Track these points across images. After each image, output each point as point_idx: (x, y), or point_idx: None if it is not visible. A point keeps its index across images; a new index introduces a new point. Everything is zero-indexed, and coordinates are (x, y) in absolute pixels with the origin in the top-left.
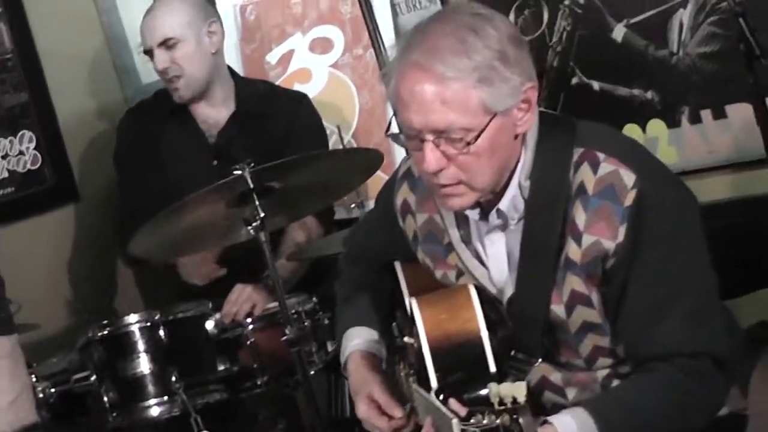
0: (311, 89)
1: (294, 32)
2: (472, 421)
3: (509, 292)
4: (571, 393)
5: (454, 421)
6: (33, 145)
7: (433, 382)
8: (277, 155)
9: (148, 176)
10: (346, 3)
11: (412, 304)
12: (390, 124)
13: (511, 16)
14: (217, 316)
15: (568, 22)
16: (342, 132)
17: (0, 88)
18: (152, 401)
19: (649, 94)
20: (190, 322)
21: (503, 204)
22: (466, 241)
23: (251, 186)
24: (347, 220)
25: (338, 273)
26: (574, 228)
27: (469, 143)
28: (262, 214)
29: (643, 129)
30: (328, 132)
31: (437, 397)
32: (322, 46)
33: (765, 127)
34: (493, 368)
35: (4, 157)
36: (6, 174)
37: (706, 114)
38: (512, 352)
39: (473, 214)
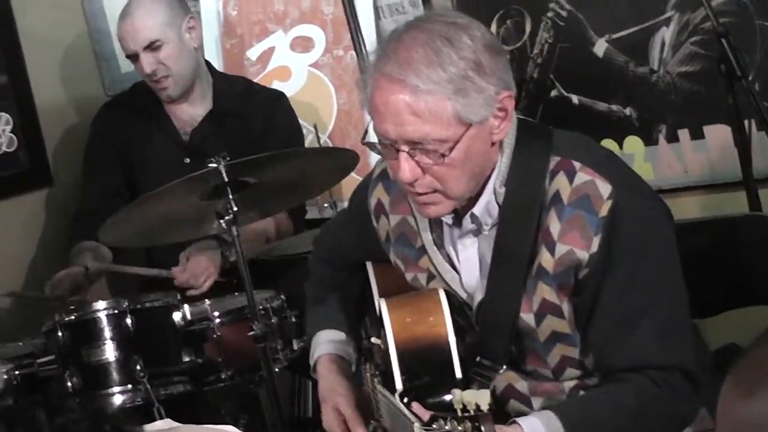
0: (290, 87)
1: (275, 30)
2: (433, 426)
3: (479, 297)
4: (536, 402)
5: (416, 425)
6: (9, 127)
7: (398, 385)
8: (251, 154)
9: (116, 174)
10: (329, 3)
11: (381, 305)
12: (366, 131)
13: (493, 26)
14: (186, 307)
15: (550, 35)
16: (319, 132)
17: None
18: (116, 389)
19: (628, 111)
20: (157, 312)
21: (477, 209)
22: (439, 244)
23: (225, 179)
24: (319, 219)
25: (308, 272)
26: (548, 236)
27: (443, 155)
28: (235, 209)
29: (620, 145)
30: (304, 131)
31: (401, 399)
32: (302, 45)
33: (743, 149)
34: (459, 374)
35: None
36: None
37: (683, 133)
38: (477, 359)
39: (447, 219)
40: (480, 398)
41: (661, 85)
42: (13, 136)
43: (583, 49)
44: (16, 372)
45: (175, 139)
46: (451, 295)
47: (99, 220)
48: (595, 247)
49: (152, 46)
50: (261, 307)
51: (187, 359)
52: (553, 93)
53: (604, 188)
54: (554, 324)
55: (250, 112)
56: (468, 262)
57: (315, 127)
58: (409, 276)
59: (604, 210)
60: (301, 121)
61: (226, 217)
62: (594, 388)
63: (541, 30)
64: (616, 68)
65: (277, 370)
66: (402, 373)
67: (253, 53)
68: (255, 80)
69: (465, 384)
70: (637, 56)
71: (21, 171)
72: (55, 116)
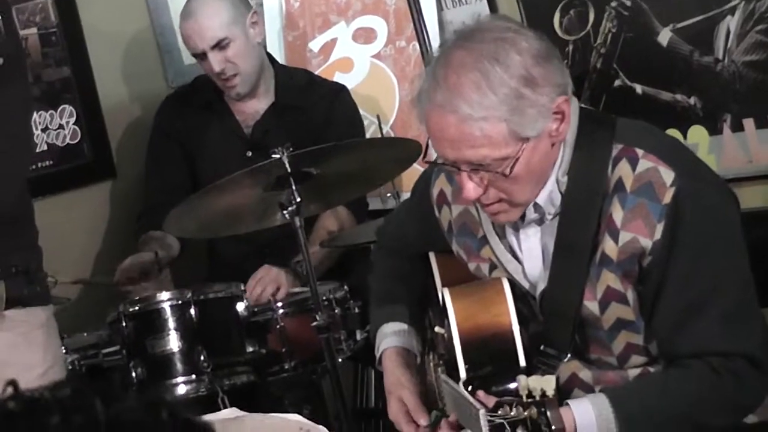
0: (352, 79)
1: (338, 21)
2: (499, 412)
3: (542, 286)
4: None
5: (482, 411)
6: (73, 120)
7: (462, 374)
8: (313, 142)
9: (179, 166)
10: None
11: (444, 294)
12: (427, 147)
13: (557, 16)
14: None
15: (614, 24)
16: (381, 123)
17: (43, 62)
18: (180, 379)
19: (692, 100)
20: (221, 303)
21: (540, 199)
22: (500, 234)
23: (288, 170)
24: (382, 210)
25: (371, 264)
26: (611, 224)
27: (505, 174)
28: (299, 199)
29: (684, 135)
30: (366, 122)
31: (465, 388)
32: (365, 36)
33: None
34: (523, 363)
35: (44, 130)
36: (45, 147)
37: (748, 123)
38: (541, 347)
39: None
40: (545, 384)
41: (726, 75)
42: (76, 128)
43: (647, 38)
44: (81, 362)
45: (237, 133)
46: (513, 285)
47: (163, 213)
48: (658, 234)
49: (220, 45)
50: (324, 298)
51: (250, 350)
52: (617, 83)
53: (667, 175)
54: (619, 311)
55: (312, 104)
56: (530, 252)
57: (378, 117)
58: (471, 266)
59: (668, 197)
60: (363, 112)
61: (290, 208)
62: (654, 374)
63: (605, 20)
64: (681, 58)
65: (340, 360)
66: (465, 362)
67: (316, 45)
68: (317, 72)
69: (528, 373)
70: (702, 45)
71: (84, 163)
72: (118, 108)
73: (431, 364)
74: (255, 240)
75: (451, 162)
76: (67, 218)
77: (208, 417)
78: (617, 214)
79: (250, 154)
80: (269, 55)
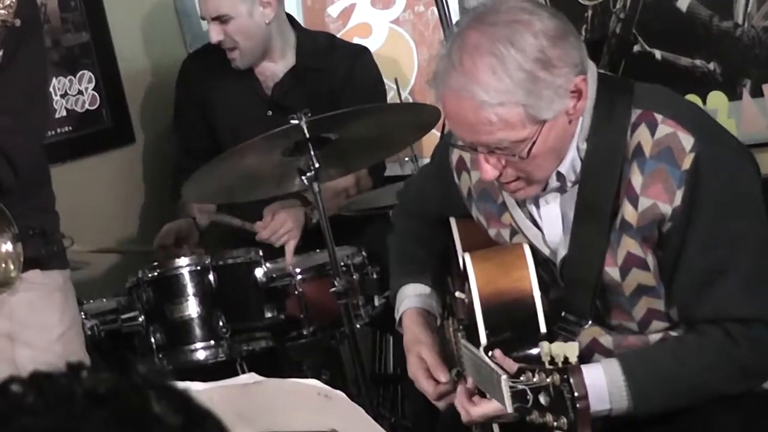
0: (371, 44)
1: None
2: (521, 378)
3: (562, 253)
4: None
5: (504, 377)
6: (92, 85)
7: (483, 339)
8: (333, 108)
9: (200, 131)
10: None
11: (465, 259)
12: (444, 125)
13: None
14: (267, 264)
15: None
16: (400, 88)
17: (62, 27)
18: (199, 345)
19: (711, 66)
20: (239, 269)
21: (563, 167)
22: (520, 202)
23: (307, 136)
24: (400, 176)
25: (392, 226)
26: (631, 190)
27: (522, 157)
28: (317, 165)
29: (704, 100)
30: (386, 87)
31: (486, 353)
32: (383, 1)
33: None
34: (543, 329)
35: (63, 96)
36: (64, 113)
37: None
38: (562, 314)
39: None
40: (568, 350)
41: (746, 40)
42: (95, 94)
43: (666, 3)
44: (100, 328)
45: (258, 93)
46: (534, 251)
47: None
48: (678, 200)
49: (220, 19)
50: (342, 264)
51: (269, 315)
52: (636, 48)
53: (687, 140)
54: (640, 277)
55: (332, 66)
56: (550, 219)
57: (396, 82)
58: (492, 231)
59: (687, 163)
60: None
61: (308, 174)
62: (670, 340)
63: None
64: (700, 23)
65: (358, 326)
66: (486, 328)
67: (334, 10)
68: (337, 36)
69: (549, 339)
70: (722, 10)
71: (104, 129)
72: (137, 74)
73: (451, 329)
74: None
75: (468, 144)
76: (87, 184)
77: (225, 382)
78: (636, 179)
79: (270, 113)
80: (291, 18)
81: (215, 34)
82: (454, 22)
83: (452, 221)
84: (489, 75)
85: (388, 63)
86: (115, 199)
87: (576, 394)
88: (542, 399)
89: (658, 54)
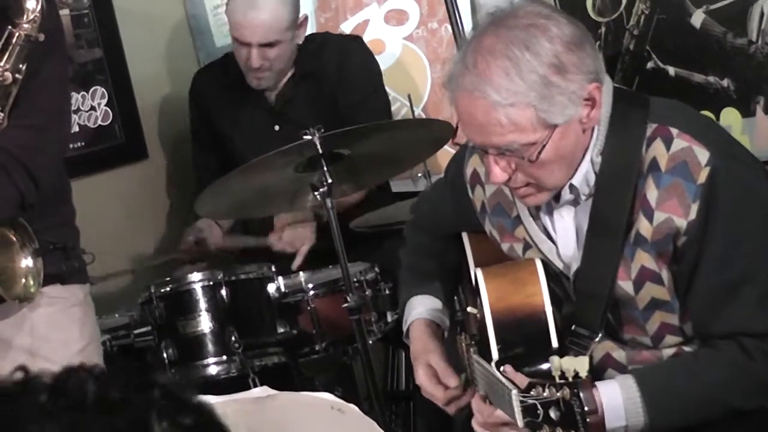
0: (384, 61)
1: (370, 3)
2: (532, 393)
3: (575, 267)
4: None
5: (514, 392)
6: (105, 101)
7: (494, 354)
8: (332, 110)
9: (213, 146)
10: None
11: (477, 274)
12: (457, 128)
13: None
14: (280, 279)
15: (647, 6)
16: (413, 104)
17: (75, 44)
18: (211, 360)
19: (725, 82)
20: (252, 284)
21: (576, 180)
22: (534, 215)
23: (320, 151)
24: (412, 192)
25: (404, 240)
26: (646, 204)
27: (531, 160)
28: (330, 180)
29: (717, 117)
30: (398, 104)
31: (497, 368)
32: (397, 17)
33: None
34: (555, 344)
35: (75, 112)
36: (77, 128)
37: None
38: (572, 327)
39: None
40: (578, 365)
41: (760, 57)
42: (108, 109)
43: (680, 20)
44: (113, 343)
45: (264, 107)
46: (547, 265)
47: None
48: (693, 214)
49: (268, 45)
50: (355, 280)
51: (281, 331)
52: (650, 65)
53: (702, 155)
54: (653, 291)
55: (323, 66)
56: (564, 232)
57: (409, 98)
58: (505, 246)
59: (702, 177)
60: (394, 94)
61: (321, 189)
62: (685, 355)
63: (638, 1)
64: (714, 39)
65: (371, 342)
66: (498, 343)
67: (347, 27)
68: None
69: (561, 353)
70: (735, 27)
71: (116, 144)
72: (150, 90)
73: (463, 345)
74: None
75: (479, 146)
76: (99, 200)
77: (238, 395)
78: (651, 193)
79: (277, 128)
80: None
81: (257, 60)
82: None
83: (464, 236)
84: (502, 76)
85: (401, 79)
86: (128, 214)
87: (586, 408)
88: (552, 414)
89: (671, 70)
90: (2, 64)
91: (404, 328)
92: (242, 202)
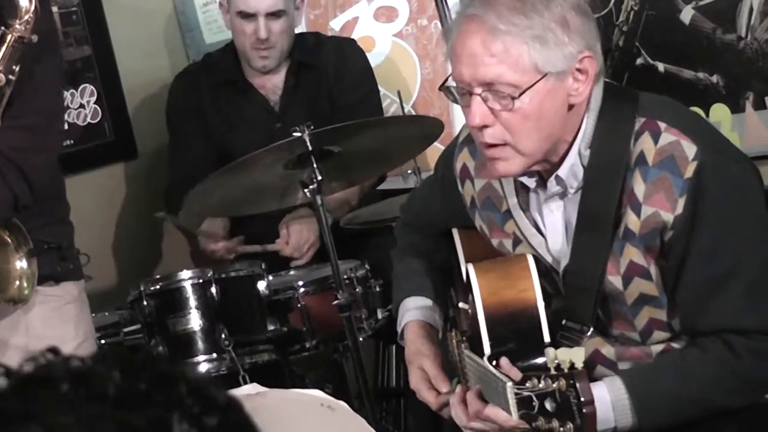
0: (374, 58)
1: (359, 0)
2: (527, 384)
3: (565, 262)
4: (624, 368)
5: (509, 384)
6: (94, 99)
7: (486, 350)
8: (327, 104)
9: (201, 141)
10: None
11: (469, 270)
12: (446, 80)
13: None
14: (270, 276)
15: (636, 2)
16: (402, 101)
17: (64, 41)
18: (201, 358)
19: (715, 78)
20: (242, 281)
21: (562, 171)
22: (524, 208)
23: (310, 148)
24: (403, 189)
25: (394, 239)
26: (633, 198)
27: (513, 98)
28: (320, 178)
29: (707, 113)
30: (388, 101)
31: (490, 363)
32: (386, 14)
33: None
34: (547, 339)
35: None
36: (66, 126)
37: None
38: (563, 322)
39: (530, 182)
40: (574, 356)
41: (749, 52)
42: (97, 107)
43: (669, 16)
44: (103, 342)
45: (264, 107)
46: (538, 260)
47: (189, 187)
48: (680, 209)
49: (275, 15)
50: (345, 277)
51: (271, 328)
52: (639, 61)
53: (690, 149)
54: (642, 286)
55: (323, 62)
56: (554, 227)
57: (399, 95)
58: (494, 241)
59: (689, 171)
60: (384, 91)
61: (311, 186)
62: (672, 354)
63: None
64: (703, 35)
65: (361, 339)
66: (490, 338)
67: (337, 24)
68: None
69: (553, 347)
70: (725, 23)
71: (105, 142)
72: (139, 87)
73: (454, 341)
74: (277, 217)
75: (466, 84)
76: (89, 198)
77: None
78: (639, 187)
79: (279, 125)
80: None
81: (264, 30)
82: None
83: (455, 232)
84: (507, 8)
85: (391, 76)
86: (117, 212)
87: (582, 399)
88: (548, 405)
89: (661, 67)
90: None
91: (398, 330)
92: (232, 200)
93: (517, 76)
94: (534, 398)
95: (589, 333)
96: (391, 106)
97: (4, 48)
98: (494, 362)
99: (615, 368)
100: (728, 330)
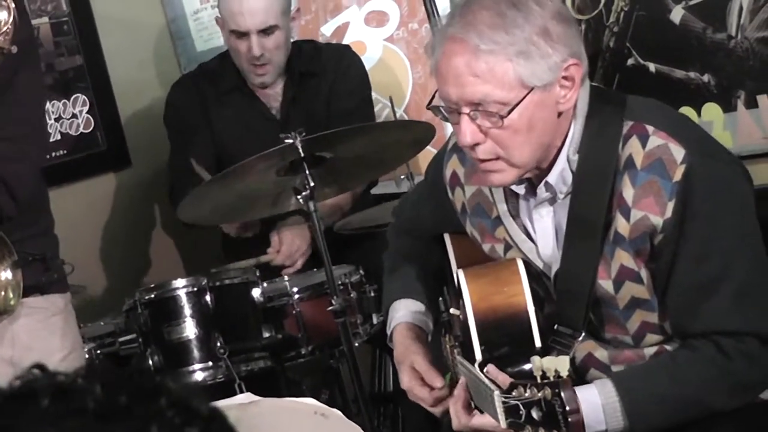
0: (365, 62)
1: (350, 5)
2: (513, 393)
3: (556, 267)
4: (617, 371)
5: (496, 393)
6: (86, 108)
7: (478, 355)
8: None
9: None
10: None
11: (459, 275)
12: (433, 97)
13: None
14: (265, 284)
15: (626, 2)
16: (394, 106)
17: (55, 51)
18: (197, 366)
19: (706, 78)
20: (236, 289)
21: (551, 177)
22: (514, 215)
23: (302, 155)
24: (396, 194)
25: (387, 244)
26: (622, 202)
27: (502, 117)
28: (312, 184)
29: (698, 112)
30: (380, 106)
31: (481, 369)
32: (377, 19)
33: None
34: (538, 344)
35: (57, 120)
36: (59, 136)
37: (762, 99)
38: (555, 327)
39: (520, 189)
40: (559, 364)
41: (739, 51)
42: (89, 117)
43: (659, 16)
44: (98, 352)
45: (266, 116)
46: (528, 265)
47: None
48: (669, 212)
49: (266, 31)
50: (340, 282)
51: (267, 335)
52: (630, 61)
53: (678, 152)
54: (633, 290)
55: (321, 69)
56: (544, 232)
57: (391, 100)
58: (486, 247)
59: (678, 174)
60: (376, 95)
61: (304, 193)
62: (663, 357)
63: None
64: (694, 35)
65: (357, 344)
66: (481, 344)
67: (328, 29)
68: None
69: (544, 353)
70: (715, 22)
71: (98, 152)
72: (131, 97)
73: (447, 346)
74: (269, 223)
75: (454, 104)
76: (82, 207)
77: (221, 402)
78: (628, 191)
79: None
80: None
81: (258, 47)
82: None
83: (446, 237)
84: (486, 26)
85: (382, 81)
86: (110, 221)
87: (567, 408)
88: (535, 414)
89: (652, 67)
90: None
91: (388, 332)
92: (225, 207)
93: (504, 93)
94: (521, 407)
95: (580, 338)
96: (383, 111)
97: None
98: (485, 368)
99: (608, 371)
100: (718, 332)
